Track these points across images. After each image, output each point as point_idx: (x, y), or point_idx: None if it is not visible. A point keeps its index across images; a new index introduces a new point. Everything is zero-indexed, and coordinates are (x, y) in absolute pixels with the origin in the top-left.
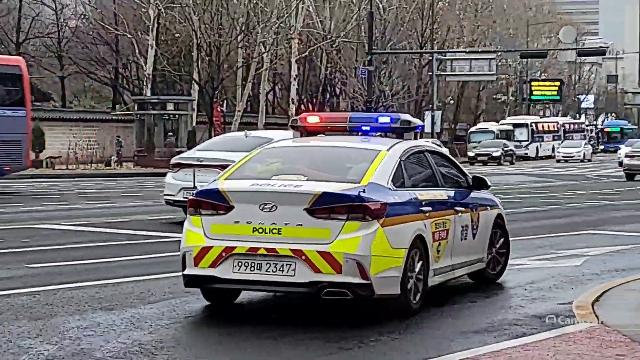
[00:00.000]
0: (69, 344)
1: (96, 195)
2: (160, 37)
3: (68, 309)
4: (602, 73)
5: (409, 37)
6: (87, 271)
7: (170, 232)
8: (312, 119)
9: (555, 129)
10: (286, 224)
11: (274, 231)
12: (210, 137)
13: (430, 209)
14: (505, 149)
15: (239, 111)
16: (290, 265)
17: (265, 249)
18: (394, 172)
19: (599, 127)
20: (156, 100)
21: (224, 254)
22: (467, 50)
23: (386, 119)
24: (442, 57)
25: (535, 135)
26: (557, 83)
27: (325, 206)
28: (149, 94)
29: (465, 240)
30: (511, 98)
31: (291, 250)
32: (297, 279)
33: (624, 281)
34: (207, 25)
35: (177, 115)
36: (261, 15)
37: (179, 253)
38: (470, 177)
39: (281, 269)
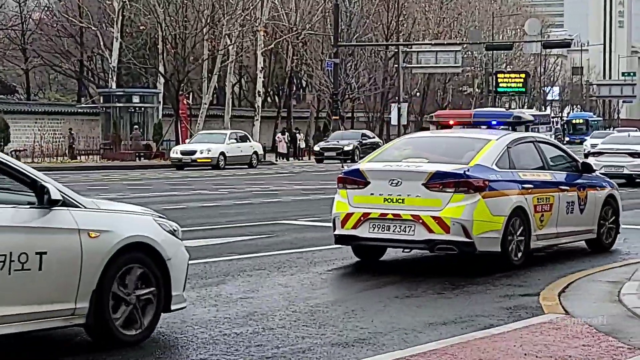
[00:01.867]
0: None
1: None
2: (125, 30)
3: None
4: (567, 65)
5: (375, 29)
6: None
7: None
8: (445, 116)
9: None
10: (408, 195)
11: (399, 201)
12: (177, 130)
13: (531, 186)
14: None
15: (205, 104)
16: (411, 227)
17: (392, 214)
18: (499, 156)
19: (565, 118)
20: (122, 93)
21: (362, 218)
22: (433, 43)
23: (502, 115)
24: (408, 50)
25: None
26: (523, 75)
27: (438, 181)
28: (114, 86)
29: (572, 213)
30: (477, 90)
31: (411, 215)
32: (416, 237)
33: (590, 272)
34: (172, 18)
35: (142, 108)
36: (226, 7)
37: None
38: (581, 162)
39: (404, 229)
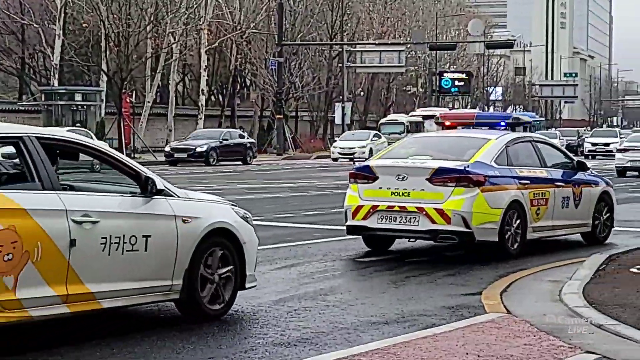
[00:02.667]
0: None
1: None
2: (68, 27)
3: None
4: (510, 65)
5: (319, 28)
6: None
7: None
8: (449, 117)
9: None
10: (413, 189)
11: (405, 194)
12: (119, 128)
13: (528, 182)
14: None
15: (148, 102)
16: (416, 218)
17: (399, 206)
18: (498, 154)
19: None
20: (64, 91)
21: (371, 210)
22: (377, 42)
23: (502, 117)
24: (352, 49)
25: (445, 127)
26: (466, 75)
27: (440, 177)
28: (56, 84)
29: (567, 208)
30: (421, 90)
31: (416, 207)
32: (420, 227)
33: (532, 271)
34: (115, 15)
35: (85, 106)
36: (170, 5)
37: None
38: (576, 161)
39: (409, 220)
